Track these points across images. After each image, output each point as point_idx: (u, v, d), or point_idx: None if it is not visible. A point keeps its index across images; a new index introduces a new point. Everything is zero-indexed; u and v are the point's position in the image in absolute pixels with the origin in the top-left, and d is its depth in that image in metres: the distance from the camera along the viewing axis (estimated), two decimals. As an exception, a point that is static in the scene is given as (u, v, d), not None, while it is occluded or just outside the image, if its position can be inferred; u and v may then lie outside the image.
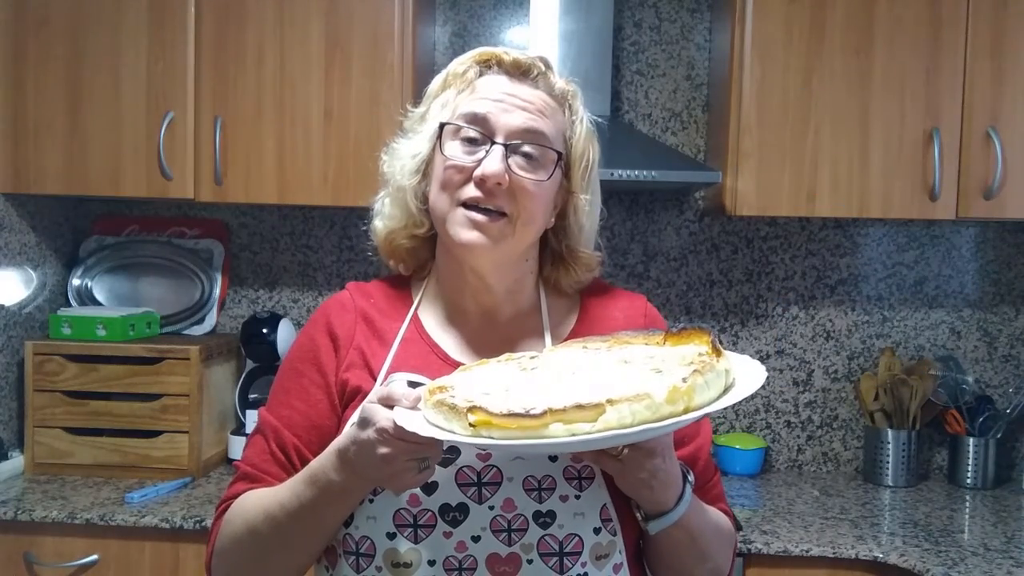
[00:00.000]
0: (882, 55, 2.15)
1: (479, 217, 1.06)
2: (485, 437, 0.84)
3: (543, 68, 1.12)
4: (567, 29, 2.36)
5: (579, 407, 0.82)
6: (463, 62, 1.14)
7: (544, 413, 0.82)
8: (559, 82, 1.14)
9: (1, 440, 2.25)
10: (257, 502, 1.06)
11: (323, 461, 1.00)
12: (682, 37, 2.56)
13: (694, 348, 0.97)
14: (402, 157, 1.15)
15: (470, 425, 0.84)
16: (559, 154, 1.09)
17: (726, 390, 0.90)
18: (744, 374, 0.93)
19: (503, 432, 0.83)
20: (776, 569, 1.92)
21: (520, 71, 1.12)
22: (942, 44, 2.14)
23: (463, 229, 1.06)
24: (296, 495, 1.01)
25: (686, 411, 0.84)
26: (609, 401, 0.82)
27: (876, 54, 2.15)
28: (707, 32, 2.55)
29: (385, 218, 1.17)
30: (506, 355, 1.04)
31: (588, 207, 1.15)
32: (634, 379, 0.88)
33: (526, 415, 0.82)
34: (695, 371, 0.87)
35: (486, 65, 1.13)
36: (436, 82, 1.16)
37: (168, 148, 2.20)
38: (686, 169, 2.19)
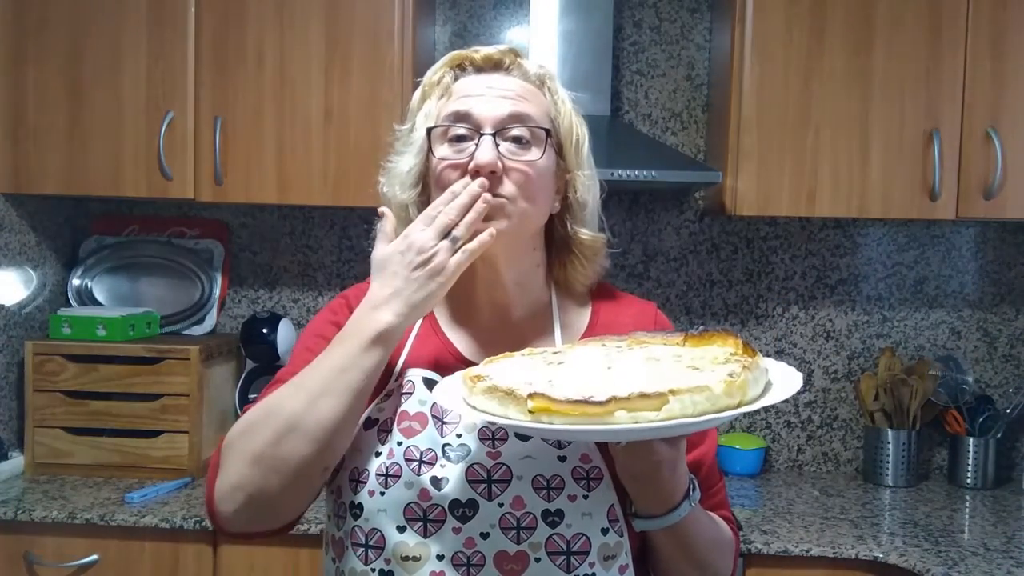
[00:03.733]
0: (882, 55, 2.15)
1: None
2: (545, 423, 0.84)
3: (514, 58, 1.15)
4: (567, 29, 2.36)
5: (643, 396, 0.83)
6: (436, 70, 1.16)
7: (609, 401, 0.82)
8: (532, 68, 1.16)
9: (1, 440, 2.25)
10: (276, 391, 1.04)
11: (355, 316, 1.02)
12: (682, 37, 2.56)
13: (719, 349, 0.97)
14: (399, 174, 1.16)
15: (529, 411, 0.85)
16: (547, 131, 1.11)
17: (765, 389, 0.92)
18: (778, 375, 0.95)
19: (564, 419, 0.83)
20: (776, 569, 1.92)
21: (493, 65, 1.14)
22: (942, 44, 2.14)
23: None
24: (327, 355, 1.01)
25: (739, 405, 0.86)
26: (672, 391, 0.83)
27: (876, 54, 2.15)
28: (707, 32, 2.55)
29: None
30: (528, 349, 1.05)
31: (589, 181, 1.17)
32: (677, 375, 0.89)
33: (589, 402, 0.83)
34: (744, 367, 0.88)
35: (459, 68, 1.15)
36: (416, 96, 1.18)
37: (168, 148, 2.20)
38: (686, 169, 2.19)
